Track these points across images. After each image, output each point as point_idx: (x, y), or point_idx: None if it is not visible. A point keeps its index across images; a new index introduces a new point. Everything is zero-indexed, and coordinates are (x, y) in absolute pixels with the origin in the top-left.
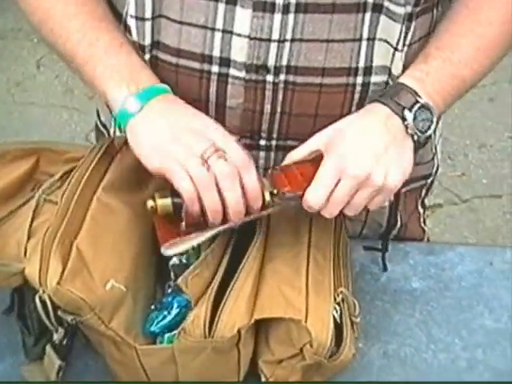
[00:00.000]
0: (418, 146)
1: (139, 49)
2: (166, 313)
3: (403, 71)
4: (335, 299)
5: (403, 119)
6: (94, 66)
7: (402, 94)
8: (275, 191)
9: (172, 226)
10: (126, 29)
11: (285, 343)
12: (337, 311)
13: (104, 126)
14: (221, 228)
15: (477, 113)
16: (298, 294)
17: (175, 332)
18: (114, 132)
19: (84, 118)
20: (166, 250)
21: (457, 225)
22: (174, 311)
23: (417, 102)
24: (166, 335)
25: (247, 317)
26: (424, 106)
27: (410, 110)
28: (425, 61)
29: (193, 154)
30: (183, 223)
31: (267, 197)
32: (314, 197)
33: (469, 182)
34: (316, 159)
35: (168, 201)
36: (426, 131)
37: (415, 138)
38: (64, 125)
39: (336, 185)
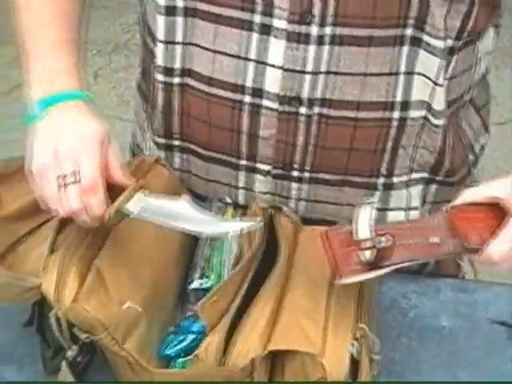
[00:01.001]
0: None
1: (167, 72)
2: (182, 337)
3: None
4: (354, 335)
5: None
6: (33, 60)
7: None
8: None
9: (348, 253)
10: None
11: (299, 376)
12: (355, 347)
13: (138, 146)
14: (398, 266)
15: None
16: (315, 326)
17: (189, 357)
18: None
19: None
20: (344, 279)
21: None
22: (191, 336)
23: None
24: (180, 360)
25: (261, 347)
26: None
27: None
28: None
29: (54, 174)
30: (366, 255)
31: (108, 213)
32: (497, 250)
33: None
34: (490, 207)
35: None
36: None
37: None
38: (117, 136)
39: None
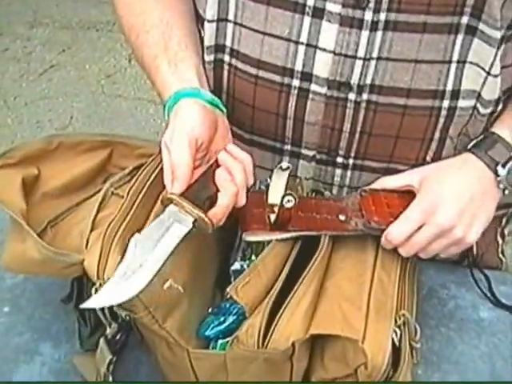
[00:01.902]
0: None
1: (215, 52)
2: (222, 318)
3: (499, 97)
4: (396, 322)
5: (496, 174)
6: (156, 74)
7: (497, 148)
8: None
9: (258, 213)
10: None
11: (340, 361)
12: (396, 334)
13: None
14: (303, 233)
15: None
16: (357, 312)
17: (229, 339)
18: None
19: None
20: (248, 237)
21: None
22: (231, 318)
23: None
24: (220, 341)
25: (303, 331)
26: None
27: (504, 165)
28: None
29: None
30: (272, 217)
31: None
32: (397, 233)
33: None
34: (403, 194)
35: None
36: None
37: (506, 191)
38: (149, 119)
39: (419, 228)
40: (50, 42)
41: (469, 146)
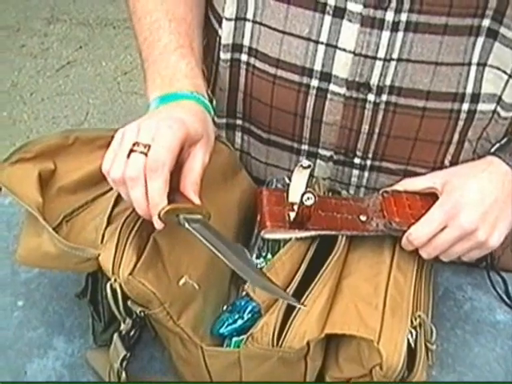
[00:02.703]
0: None
1: (233, 51)
2: (237, 316)
3: None
4: (412, 323)
5: None
6: (148, 66)
7: None
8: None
9: (278, 212)
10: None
11: (354, 362)
12: (412, 335)
13: None
14: (322, 232)
15: None
16: (373, 312)
17: (243, 337)
18: None
19: None
20: (267, 234)
21: None
22: (247, 316)
23: None
24: (234, 339)
25: (318, 330)
26: None
27: None
28: None
29: (122, 147)
30: (292, 215)
31: (164, 210)
32: (419, 234)
33: None
34: (425, 196)
35: None
36: None
37: None
38: None
39: (442, 229)
40: (66, 38)
41: (492, 149)
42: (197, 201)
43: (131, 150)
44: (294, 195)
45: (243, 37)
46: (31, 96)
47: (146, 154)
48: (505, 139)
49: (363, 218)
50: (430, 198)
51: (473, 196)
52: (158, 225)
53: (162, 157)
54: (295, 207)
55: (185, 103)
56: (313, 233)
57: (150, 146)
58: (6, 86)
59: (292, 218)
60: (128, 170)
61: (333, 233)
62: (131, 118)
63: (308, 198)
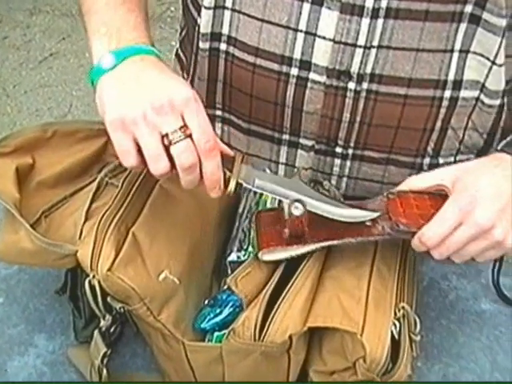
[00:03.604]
0: None
1: (212, 40)
2: (218, 310)
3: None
4: (395, 314)
5: None
6: (90, 17)
7: None
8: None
9: (274, 231)
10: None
11: (338, 355)
12: (396, 327)
13: None
14: (324, 244)
15: None
16: (356, 305)
17: (225, 331)
18: None
19: None
20: (264, 255)
21: None
22: (228, 310)
23: None
24: (216, 334)
25: (301, 323)
26: None
27: None
28: None
29: (157, 126)
30: (286, 231)
31: (232, 186)
32: (431, 234)
33: None
34: (434, 195)
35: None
36: None
37: None
38: None
39: (455, 228)
40: (49, 29)
41: (500, 146)
42: (231, 152)
43: (165, 141)
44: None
45: (222, 25)
46: (14, 88)
47: (188, 136)
48: (511, 136)
49: (368, 222)
50: (440, 197)
51: (488, 191)
52: (217, 193)
53: (211, 133)
54: (289, 222)
55: (150, 59)
56: (312, 246)
57: (185, 128)
58: None
59: (287, 235)
60: (179, 162)
61: (335, 242)
62: None
63: (296, 208)
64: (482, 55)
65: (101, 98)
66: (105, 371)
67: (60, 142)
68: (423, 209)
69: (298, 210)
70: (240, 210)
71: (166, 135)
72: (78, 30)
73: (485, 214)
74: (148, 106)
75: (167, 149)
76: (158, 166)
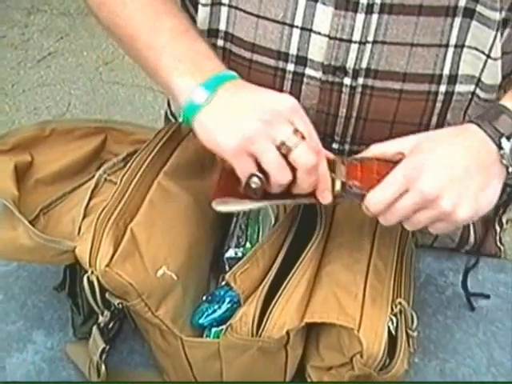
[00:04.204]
0: (509, 177)
1: (209, 36)
2: (216, 306)
3: (501, 84)
4: (392, 310)
5: (499, 147)
6: (157, 54)
7: (502, 119)
8: (343, 180)
9: (231, 182)
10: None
11: (335, 350)
12: (393, 322)
13: (174, 116)
14: (278, 202)
15: None
16: (353, 300)
17: (223, 327)
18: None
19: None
20: (217, 205)
21: None
22: (225, 306)
23: None
24: (214, 329)
25: (298, 319)
26: None
27: (509, 138)
28: None
29: (272, 138)
30: (242, 186)
31: (337, 186)
32: (376, 199)
33: None
34: (392, 163)
35: None
36: None
37: (510, 169)
38: (147, 106)
39: (401, 194)
40: (47, 28)
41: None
42: (332, 155)
43: (288, 149)
44: None
45: (219, 22)
46: (12, 87)
47: (303, 139)
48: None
49: None
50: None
51: (439, 159)
52: (327, 199)
53: (317, 140)
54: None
55: (238, 82)
56: (266, 203)
57: (297, 132)
58: None
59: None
60: (301, 165)
61: (288, 202)
62: (113, 108)
63: (254, 183)
64: (477, 49)
65: (207, 132)
66: (103, 367)
67: (58, 139)
68: (381, 175)
69: (254, 185)
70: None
71: (283, 144)
72: (76, 29)
73: (430, 183)
74: (259, 123)
75: (285, 157)
76: (282, 177)
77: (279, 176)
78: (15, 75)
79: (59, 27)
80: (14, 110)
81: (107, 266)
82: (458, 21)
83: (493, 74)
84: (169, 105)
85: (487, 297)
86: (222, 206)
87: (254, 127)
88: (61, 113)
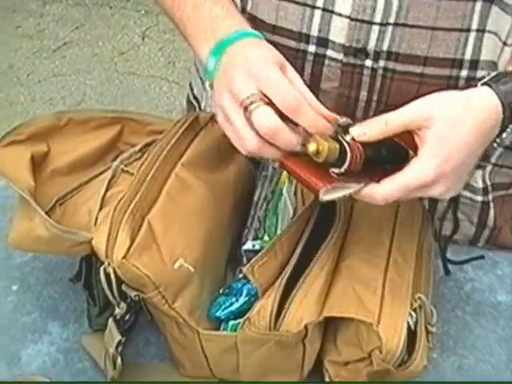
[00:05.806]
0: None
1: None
2: (233, 299)
3: None
4: (412, 305)
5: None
6: (186, 27)
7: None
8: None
9: (322, 173)
10: None
11: (353, 345)
12: (412, 317)
13: (196, 98)
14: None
15: None
16: (372, 295)
17: (240, 320)
18: (205, 106)
19: (183, 92)
20: (325, 196)
21: None
22: (243, 299)
23: None
24: (231, 322)
25: (316, 313)
26: None
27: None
28: None
29: (236, 100)
30: (343, 168)
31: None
32: (384, 191)
33: None
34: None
35: (336, 145)
36: None
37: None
38: (162, 97)
39: None
40: (63, 19)
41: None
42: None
43: (247, 110)
44: None
45: (247, 4)
46: (28, 77)
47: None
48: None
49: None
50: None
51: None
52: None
53: (293, 94)
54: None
55: (244, 42)
56: (362, 185)
57: (259, 93)
58: (2, 68)
59: (340, 172)
60: (262, 127)
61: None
62: (128, 99)
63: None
64: (496, 34)
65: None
66: (119, 359)
67: (74, 130)
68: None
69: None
70: (255, 199)
71: (246, 109)
72: (92, 19)
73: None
74: (226, 91)
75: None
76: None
77: (239, 141)
78: (30, 65)
79: (74, 17)
80: (29, 101)
81: (124, 257)
82: (479, 5)
83: (505, 62)
84: (191, 88)
85: (462, 263)
86: (330, 195)
87: (224, 95)
88: (76, 103)
